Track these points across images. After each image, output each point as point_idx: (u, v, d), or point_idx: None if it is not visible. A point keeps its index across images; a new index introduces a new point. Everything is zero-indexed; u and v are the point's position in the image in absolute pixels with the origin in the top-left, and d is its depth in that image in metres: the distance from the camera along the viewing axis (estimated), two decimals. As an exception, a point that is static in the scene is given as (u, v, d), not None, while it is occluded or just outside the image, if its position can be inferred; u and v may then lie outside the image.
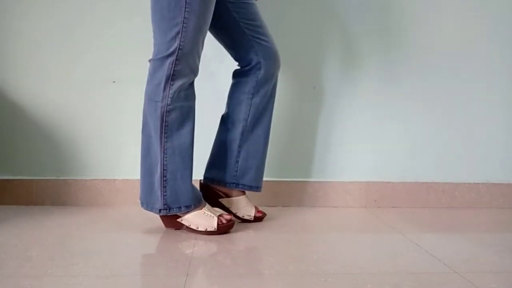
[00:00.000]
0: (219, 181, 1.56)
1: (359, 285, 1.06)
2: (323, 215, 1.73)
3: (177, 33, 1.31)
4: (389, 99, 1.88)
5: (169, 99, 1.37)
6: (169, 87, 1.36)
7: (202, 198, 1.47)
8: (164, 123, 1.38)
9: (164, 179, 1.38)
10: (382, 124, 1.89)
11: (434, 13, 1.87)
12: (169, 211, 1.40)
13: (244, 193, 1.58)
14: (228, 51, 1.56)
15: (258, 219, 1.58)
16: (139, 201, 1.46)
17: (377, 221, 1.66)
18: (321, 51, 1.86)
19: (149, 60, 1.41)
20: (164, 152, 1.38)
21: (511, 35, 1.90)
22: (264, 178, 1.83)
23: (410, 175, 1.90)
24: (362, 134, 1.88)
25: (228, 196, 1.56)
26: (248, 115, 1.53)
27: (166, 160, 1.38)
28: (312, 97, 1.86)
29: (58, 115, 1.80)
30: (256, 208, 1.59)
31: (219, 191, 1.57)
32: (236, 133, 1.54)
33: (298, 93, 1.86)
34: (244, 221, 1.56)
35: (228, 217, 1.46)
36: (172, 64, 1.34)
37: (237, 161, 1.54)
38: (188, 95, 1.40)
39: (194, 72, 1.39)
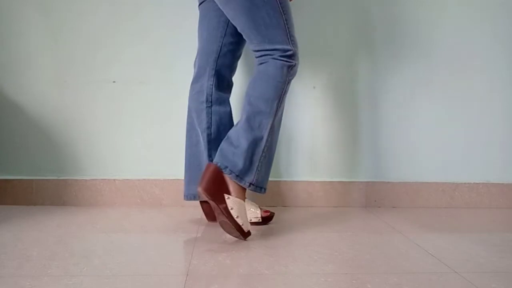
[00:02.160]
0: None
1: (359, 285, 1.06)
2: (323, 215, 1.73)
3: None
4: (389, 99, 1.88)
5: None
6: (290, 72, 1.43)
7: None
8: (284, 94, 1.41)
9: (264, 154, 1.40)
10: (382, 124, 1.89)
11: (431, 12, 1.87)
12: (255, 188, 1.40)
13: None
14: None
15: (266, 219, 1.57)
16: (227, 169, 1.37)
17: (377, 221, 1.66)
18: (321, 51, 1.86)
19: None
20: (271, 127, 1.40)
21: (511, 34, 1.90)
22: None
23: (410, 175, 1.90)
24: (362, 134, 1.88)
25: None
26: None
27: (269, 137, 1.40)
28: (312, 97, 1.86)
29: (58, 115, 1.80)
30: (260, 209, 1.58)
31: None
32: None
33: (298, 93, 1.86)
34: (254, 224, 1.54)
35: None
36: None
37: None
38: None
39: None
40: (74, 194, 1.81)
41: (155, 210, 1.77)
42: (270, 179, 1.82)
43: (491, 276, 1.14)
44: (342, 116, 1.87)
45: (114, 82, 1.81)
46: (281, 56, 1.38)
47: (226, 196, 1.34)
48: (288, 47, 1.38)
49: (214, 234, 1.45)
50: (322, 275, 1.12)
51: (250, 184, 1.38)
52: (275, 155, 1.83)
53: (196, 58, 1.58)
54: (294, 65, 1.41)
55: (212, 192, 1.33)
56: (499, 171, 1.93)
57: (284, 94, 1.41)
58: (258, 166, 1.39)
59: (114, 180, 1.81)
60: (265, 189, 1.44)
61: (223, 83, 1.57)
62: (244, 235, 1.37)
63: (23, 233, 1.43)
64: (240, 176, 1.36)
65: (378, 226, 1.59)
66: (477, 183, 1.92)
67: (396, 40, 1.87)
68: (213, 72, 1.54)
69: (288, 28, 1.40)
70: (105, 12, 1.79)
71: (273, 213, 1.60)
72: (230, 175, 1.35)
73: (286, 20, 1.39)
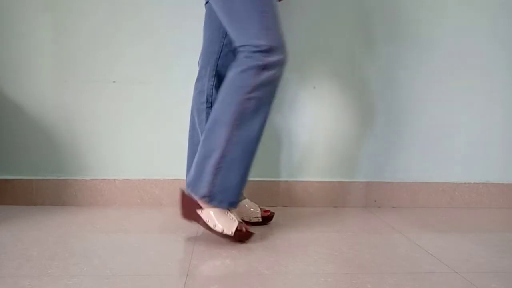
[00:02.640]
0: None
1: (359, 285, 1.06)
2: (323, 215, 1.73)
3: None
4: (389, 99, 1.88)
5: (250, 88, 1.26)
6: (259, 75, 1.27)
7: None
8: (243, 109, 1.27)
9: (219, 166, 1.29)
10: (382, 124, 1.89)
11: (431, 12, 1.87)
12: (211, 201, 1.32)
13: (244, 197, 1.57)
14: None
15: (267, 219, 1.57)
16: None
17: (377, 221, 1.66)
18: (321, 51, 1.86)
19: None
20: (230, 138, 1.27)
21: (511, 34, 1.90)
22: (264, 178, 1.84)
23: (410, 175, 1.90)
24: (362, 134, 1.88)
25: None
26: None
27: (227, 148, 1.28)
28: (312, 97, 1.86)
29: (58, 115, 1.80)
30: (261, 209, 1.57)
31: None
32: None
33: (298, 93, 1.86)
34: (254, 224, 1.54)
35: (248, 227, 1.38)
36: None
37: None
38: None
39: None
40: (74, 194, 1.81)
41: (155, 210, 1.77)
42: (270, 179, 1.84)
43: (491, 276, 1.14)
44: (342, 116, 1.87)
45: (114, 82, 1.81)
46: (253, 52, 1.21)
47: (198, 211, 1.33)
48: (261, 41, 1.19)
49: (214, 234, 1.45)
50: (322, 275, 1.12)
51: (204, 196, 1.31)
52: (275, 155, 1.84)
53: (199, 58, 1.58)
54: (270, 64, 1.21)
55: (187, 214, 1.35)
56: (499, 171, 1.93)
57: (252, 101, 1.23)
58: (211, 179, 1.29)
59: (114, 180, 1.81)
60: (230, 204, 1.33)
61: None
62: (231, 238, 1.33)
63: (23, 233, 1.43)
64: (191, 188, 1.33)
65: (378, 226, 1.59)
66: (477, 183, 1.92)
67: (396, 40, 1.87)
68: (214, 73, 1.50)
69: (264, 20, 1.21)
70: (105, 12, 1.79)
71: (273, 213, 1.59)
72: (187, 189, 1.34)
73: (263, 11, 1.21)
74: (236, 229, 1.32)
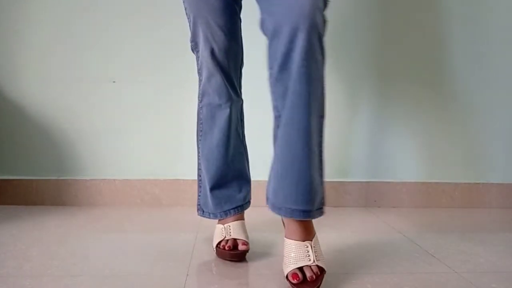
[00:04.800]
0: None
1: (359, 285, 1.06)
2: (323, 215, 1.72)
3: (189, 26, 1.24)
4: (389, 99, 1.88)
5: (200, 96, 1.27)
6: (200, 82, 1.27)
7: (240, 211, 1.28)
8: (199, 121, 1.29)
9: (199, 178, 1.32)
10: (382, 124, 1.89)
11: (432, 12, 1.88)
12: (202, 213, 1.32)
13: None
14: None
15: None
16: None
17: (377, 221, 1.66)
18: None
19: None
20: (197, 151, 1.31)
21: (510, 34, 1.90)
22: (264, 179, 1.83)
23: (410, 175, 1.90)
24: (362, 134, 1.88)
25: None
26: (276, 99, 1.05)
27: (199, 160, 1.30)
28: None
29: (58, 115, 1.80)
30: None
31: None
32: (274, 130, 1.09)
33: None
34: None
35: (230, 244, 1.21)
36: (196, 59, 1.28)
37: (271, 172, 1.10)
38: (218, 92, 1.23)
39: (216, 58, 1.20)
40: (74, 194, 1.81)
41: (155, 210, 1.77)
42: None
43: (491, 276, 1.14)
44: (342, 116, 1.87)
45: (114, 82, 1.81)
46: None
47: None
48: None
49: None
50: (322, 275, 1.12)
51: (197, 210, 1.34)
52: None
53: None
54: (199, 81, 1.27)
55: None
56: (499, 171, 1.93)
57: (199, 118, 1.27)
58: (198, 190, 1.33)
59: (114, 180, 1.81)
60: (209, 214, 1.29)
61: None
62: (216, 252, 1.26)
63: (23, 233, 1.43)
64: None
65: (378, 226, 1.59)
66: (477, 183, 1.92)
67: (396, 40, 1.87)
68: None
69: (189, 27, 1.23)
70: (106, 11, 1.79)
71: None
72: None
73: (187, 17, 1.23)
74: (216, 245, 1.24)
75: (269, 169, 1.10)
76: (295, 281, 1.00)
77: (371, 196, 1.87)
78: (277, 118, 1.06)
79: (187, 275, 1.11)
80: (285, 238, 1.08)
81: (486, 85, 1.91)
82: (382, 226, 1.60)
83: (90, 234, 1.44)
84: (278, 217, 1.65)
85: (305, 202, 1.03)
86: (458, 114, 1.91)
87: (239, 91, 1.29)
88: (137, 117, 1.82)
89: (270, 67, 1.04)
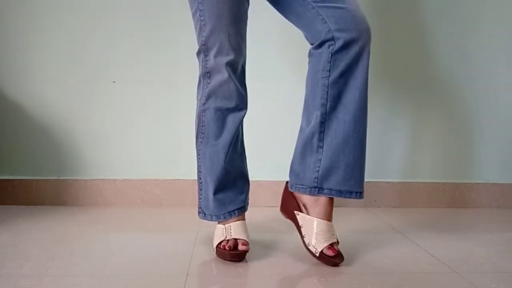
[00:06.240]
0: (299, 185, 1.24)
1: (359, 285, 1.06)
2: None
3: (200, 28, 1.23)
4: (389, 99, 1.88)
5: (203, 98, 1.26)
6: (206, 85, 1.26)
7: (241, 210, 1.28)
8: (200, 123, 1.27)
9: (200, 181, 1.30)
10: (382, 124, 1.89)
11: (432, 12, 1.88)
12: (204, 216, 1.30)
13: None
14: (303, 33, 1.28)
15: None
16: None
17: (377, 221, 1.66)
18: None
19: None
20: (197, 154, 1.29)
21: (510, 34, 1.90)
22: (264, 179, 1.83)
23: (410, 175, 1.90)
24: (362, 134, 1.88)
25: (307, 211, 1.23)
26: (326, 98, 1.22)
27: (200, 162, 1.29)
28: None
29: (58, 115, 1.80)
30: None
31: (300, 201, 1.26)
32: (315, 124, 1.24)
33: (298, 93, 1.86)
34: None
35: (230, 244, 1.21)
36: (203, 62, 1.26)
37: (319, 159, 1.22)
38: (230, 97, 1.23)
39: (231, 65, 1.21)
40: (74, 194, 1.81)
41: (155, 210, 1.77)
42: (270, 179, 1.83)
43: (491, 276, 1.14)
44: (342, 116, 1.87)
45: (114, 82, 1.81)
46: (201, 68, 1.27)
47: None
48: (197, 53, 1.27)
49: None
50: (322, 275, 1.12)
51: (198, 213, 1.32)
52: (275, 155, 1.84)
53: None
54: (200, 83, 1.28)
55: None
56: (499, 171, 1.93)
57: (201, 120, 1.26)
58: (199, 193, 1.31)
59: (114, 180, 1.81)
60: (211, 216, 1.27)
61: None
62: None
63: (23, 233, 1.43)
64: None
65: (378, 226, 1.59)
66: (477, 183, 1.92)
67: (396, 40, 1.87)
68: None
69: (199, 30, 1.23)
70: (106, 11, 1.79)
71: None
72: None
73: (201, 20, 1.22)
74: (216, 246, 1.24)
75: (312, 161, 1.24)
76: (333, 254, 1.17)
77: (371, 196, 1.87)
78: (328, 109, 1.24)
79: (187, 275, 1.11)
80: (312, 217, 1.21)
81: (487, 86, 1.91)
82: (382, 226, 1.60)
83: (90, 234, 1.44)
84: (277, 217, 1.66)
85: (361, 184, 1.21)
86: (458, 115, 1.91)
87: (246, 94, 1.30)
88: (137, 117, 1.82)
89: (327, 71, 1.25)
